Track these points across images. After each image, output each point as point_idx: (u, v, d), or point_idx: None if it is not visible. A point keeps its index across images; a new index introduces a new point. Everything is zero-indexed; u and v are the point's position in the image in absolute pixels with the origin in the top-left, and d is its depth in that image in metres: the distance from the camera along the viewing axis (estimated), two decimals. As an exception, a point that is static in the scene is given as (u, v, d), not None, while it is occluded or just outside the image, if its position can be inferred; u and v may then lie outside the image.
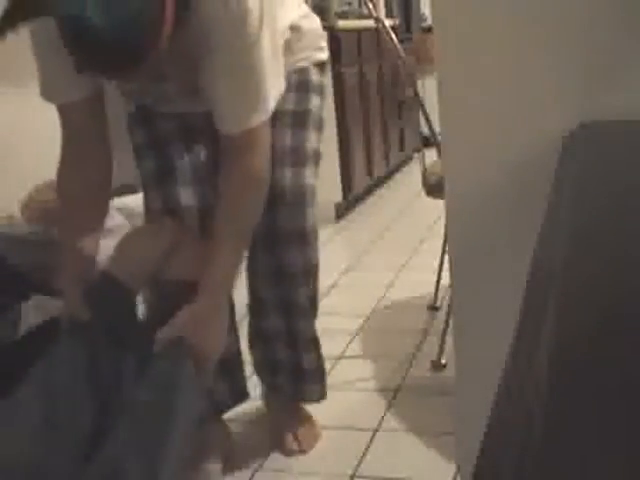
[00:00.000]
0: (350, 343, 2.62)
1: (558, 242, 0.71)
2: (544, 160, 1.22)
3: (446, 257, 1.60)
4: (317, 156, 1.84)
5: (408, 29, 6.13)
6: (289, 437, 2.01)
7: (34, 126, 2.83)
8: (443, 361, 2.38)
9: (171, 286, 1.58)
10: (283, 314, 1.89)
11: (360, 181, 4.49)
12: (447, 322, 2.40)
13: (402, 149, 5.48)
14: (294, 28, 1.75)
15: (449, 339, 2.26)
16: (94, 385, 1.35)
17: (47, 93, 1.55)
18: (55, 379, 1.34)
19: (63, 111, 1.56)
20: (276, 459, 1.97)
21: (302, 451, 1.99)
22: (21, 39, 2.58)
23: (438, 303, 2.85)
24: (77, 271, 1.55)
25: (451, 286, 1.46)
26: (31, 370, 1.36)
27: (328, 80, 1.87)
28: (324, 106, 1.89)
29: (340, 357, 2.51)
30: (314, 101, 1.83)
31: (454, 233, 1.43)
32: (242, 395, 2.01)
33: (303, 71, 1.79)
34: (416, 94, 2.57)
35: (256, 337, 2.00)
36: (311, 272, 1.85)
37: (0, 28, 1.19)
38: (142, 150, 1.77)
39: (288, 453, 1.99)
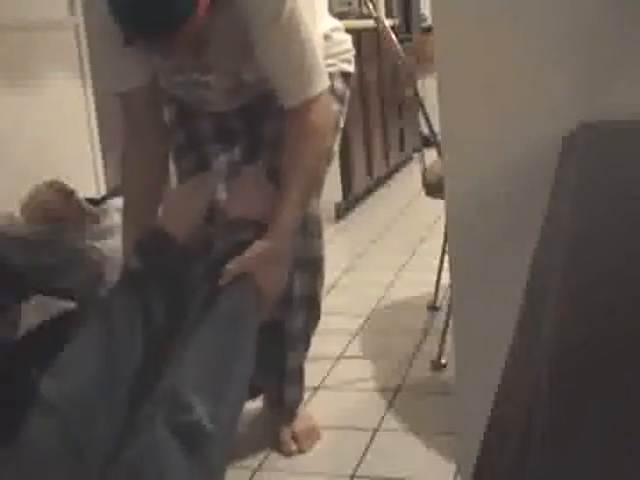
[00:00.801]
0: (350, 343, 2.62)
1: (558, 242, 0.71)
2: (544, 160, 1.22)
3: (446, 257, 1.60)
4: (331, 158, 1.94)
5: (408, 29, 6.13)
6: (288, 437, 2.01)
7: (34, 126, 2.83)
8: (443, 361, 2.38)
9: (239, 225, 1.68)
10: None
11: (360, 181, 4.49)
12: (447, 322, 2.40)
13: (402, 149, 5.48)
14: (326, 37, 1.84)
15: (449, 339, 2.26)
16: (146, 326, 1.47)
17: (107, 84, 1.75)
18: (112, 321, 1.46)
19: (123, 98, 1.73)
20: (276, 459, 1.97)
21: (301, 451, 1.99)
22: (21, 39, 2.59)
23: (438, 303, 2.85)
24: (134, 230, 1.72)
25: (451, 286, 1.46)
26: (93, 314, 1.51)
27: (350, 92, 1.96)
28: (344, 113, 1.95)
29: (340, 357, 2.51)
30: (334, 106, 1.87)
31: (454, 233, 1.43)
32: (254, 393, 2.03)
33: (329, 76, 1.82)
34: (416, 94, 2.57)
35: None
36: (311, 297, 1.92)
37: None
38: (181, 150, 1.90)
39: (287, 453, 1.98)
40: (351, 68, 1.99)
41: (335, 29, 1.93)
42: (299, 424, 2.03)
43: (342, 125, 1.96)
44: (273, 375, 2.00)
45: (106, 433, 1.32)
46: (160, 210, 1.75)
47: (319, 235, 1.91)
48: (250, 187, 1.73)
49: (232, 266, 1.56)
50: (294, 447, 1.99)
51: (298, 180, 1.65)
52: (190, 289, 1.59)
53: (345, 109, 1.96)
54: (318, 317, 1.99)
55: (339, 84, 1.92)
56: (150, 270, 1.57)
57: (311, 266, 1.90)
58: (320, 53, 1.68)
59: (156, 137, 1.78)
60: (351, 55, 2.00)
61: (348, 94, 1.97)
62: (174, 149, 1.91)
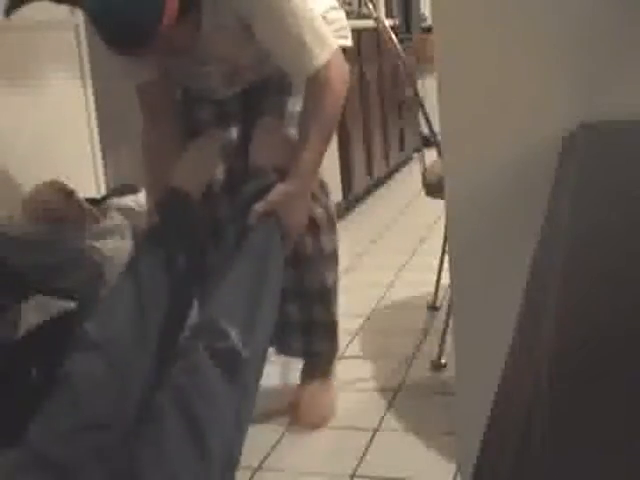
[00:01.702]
0: (350, 343, 2.62)
1: (558, 242, 0.71)
2: (544, 160, 1.22)
3: (446, 257, 1.60)
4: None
5: (408, 29, 6.13)
6: (300, 410, 2.12)
7: (34, 126, 2.83)
8: (443, 361, 2.38)
9: (263, 171, 1.86)
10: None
11: (360, 181, 4.49)
12: (447, 322, 2.40)
13: (402, 149, 5.48)
14: (323, 17, 1.91)
15: (449, 339, 2.26)
16: (169, 273, 1.67)
17: (126, 76, 1.95)
18: (140, 272, 1.65)
19: (139, 89, 1.93)
20: (276, 459, 1.97)
21: (314, 426, 2.08)
22: (21, 39, 2.59)
23: (438, 303, 2.85)
24: (156, 193, 1.90)
25: (451, 286, 1.46)
26: (125, 269, 1.72)
27: (349, 66, 2.04)
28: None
29: (340, 357, 2.51)
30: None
31: (454, 233, 1.43)
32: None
33: None
34: (416, 94, 2.57)
35: None
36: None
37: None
38: (185, 133, 2.03)
39: (297, 424, 2.10)
40: (348, 42, 2.09)
41: (333, 8, 2.03)
42: (316, 399, 2.13)
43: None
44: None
45: (140, 367, 1.51)
46: (175, 170, 1.90)
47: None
48: (270, 136, 1.89)
49: (258, 207, 1.73)
50: (305, 421, 2.10)
51: (317, 128, 1.80)
52: (216, 232, 1.82)
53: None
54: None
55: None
56: (169, 224, 1.76)
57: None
58: (319, 21, 1.79)
59: (170, 119, 1.96)
60: (346, 31, 2.09)
61: (348, 68, 2.02)
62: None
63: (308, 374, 2.21)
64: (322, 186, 2.05)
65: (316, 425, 2.09)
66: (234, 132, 1.98)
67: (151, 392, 1.42)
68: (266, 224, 1.72)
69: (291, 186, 1.78)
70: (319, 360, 2.19)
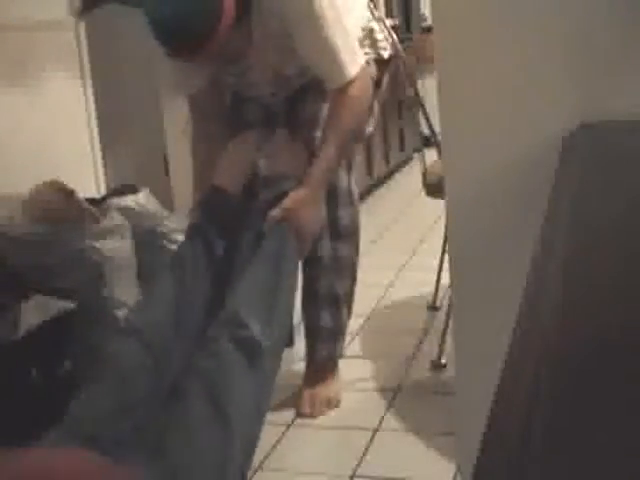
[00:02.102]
0: (350, 343, 2.62)
1: (558, 242, 0.71)
2: (544, 160, 1.22)
3: (446, 257, 1.60)
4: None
5: (408, 29, 6.12)
6: (304, 399, 2.18)
7: (34, 126, 2.83)
8: (443, 361, 2.38)
9: (278, 179, 1.97)
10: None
11: (360, 181, 4.48)
12: (447, 322, 2.40)
13: (402, 149, 5.48)
14: (363, 29, 2.09)
15: (449, 339, 2.26)
16: (209, 265, 1.80)
17: (176, 87, 2.17)
18: (183, 264, 1.78)
19: (191, 98, 2.07)
20: (276, 459, 1.97)
21: (312, 415, 2.15)
22: (21, 39, 2.59)
23: (438, 303, 2.85)
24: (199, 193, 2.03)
25: (451, 286, 1.46)
26: (167, 260, 1.88)
27: (388, 77, 2.23)
28: (380, 96, 2.20)
29: (340, 357, 2.51)
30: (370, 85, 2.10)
31: (454, 233, 1.43)
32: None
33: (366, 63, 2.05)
34: (416, 94, 2.57)
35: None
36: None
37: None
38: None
39: (301, 414, 2.16)
40: (385, 54, 2.20)
41: (369, 20, 2.15)
42: (320, 388, 2.19)
43: (376, 109, 2.19)
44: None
45: (174, 351, 1.62)
46: (217, 167, 2.01)
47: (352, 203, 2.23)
48: (285, 147, 2.03)
49: (274, 213, 1.83)
50: (306, 410, 2.16)
51: (333, 138, 1.90)
52: (242, 232, 1.93)
53: (382, 92, 2.19)
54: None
55: (372, 69, 2.09)
56: (209, 220, 1.89)
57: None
58: (354, 37, 1.93)
59: (220, 124, 2.09)
60: (385, 42, 2.21)
61: (385, 79, 2.18)
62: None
63: (314, 364, 2.27)
64: (351, 194, 2.21)
65: (321, 414, 2.17)
66: (281, 134, 2.07)
67: (180, 375, 1.52)
68: (280, 229, 1.81)
69: (305, 192, 1.87)
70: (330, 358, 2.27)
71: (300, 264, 2.00)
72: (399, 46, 2.49)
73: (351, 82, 1.89)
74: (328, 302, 2.20)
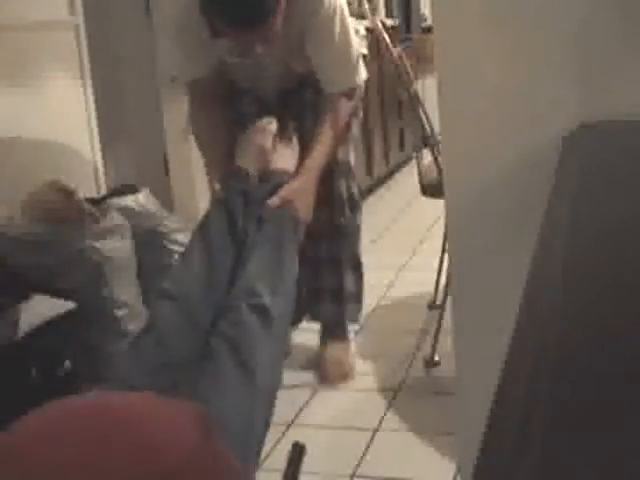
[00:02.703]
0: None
1: (558, 242, 0.71)
2: (544, 160, 1.22)
3: (446, 257, 1.61)
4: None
5: (408, 29, 6.12)
6: (322, 369, 2.39)
7: (34, 126, 2.83)
8: (436, 358, 2.38)
9: (276, 172, 2.21)
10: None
11: (360, 181, 4.48)
12: (440, 321, 2.42)
13: (402, 149, 5.48)
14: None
15: (442, 337, 2.26)
16: (232, 237, 2.01)
17: (184, 74, 2.30)
18: (210, 237, 1.99)
19: (191, 84, 2.26)
20: (276, 458, 1.97)
21: (326, 381, 2.36)
22: (21, 39, 2.58)
23: (438, 303, 2.84)
24: (217, 171, 2.23)
25: (448, 285, 1.46)
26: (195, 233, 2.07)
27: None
28: (361, 93, 2.38)
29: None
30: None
31: (454, 233, 1.43)
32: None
33: None
34: (416, 94, 2.57)
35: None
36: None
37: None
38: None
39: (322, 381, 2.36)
40: (365, 50, 2.44)
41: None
42: (336, 357, 2.40)
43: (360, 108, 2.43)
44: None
45: (204, 315, 1.82)
46: (236, 151, 2.24)
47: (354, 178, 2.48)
48: (288, 145, 2.27)
49: (271, 202, 2.07)
50: (328, 378, 2.37)
51: (329, 135, 2.19)
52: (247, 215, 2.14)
53: (362, 89, 2.36)
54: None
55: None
56: (232, 196, 2.10)
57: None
58: (358, 47, 2.19)
59: (217, 110, 2.27)
60: (364, 39, 2.50)
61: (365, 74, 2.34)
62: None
63: (328, 335, 2.46)
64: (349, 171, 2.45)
65: (342, 381, 2.35)
66: (286, 132, 2.30)
67: (210, 337, 1.73)
68: (279, 215, 2.06)
69: (300, 183, 2.14)
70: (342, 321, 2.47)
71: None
72: (391, 47, 2.51)
73: (349, 91, 2.18)
74: (351, 266, 2.44)
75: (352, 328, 2.55)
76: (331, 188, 2.35)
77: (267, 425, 1.65)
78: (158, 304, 1.91)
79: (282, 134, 2.27)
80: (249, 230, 2.05)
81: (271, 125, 2.27)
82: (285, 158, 2.25)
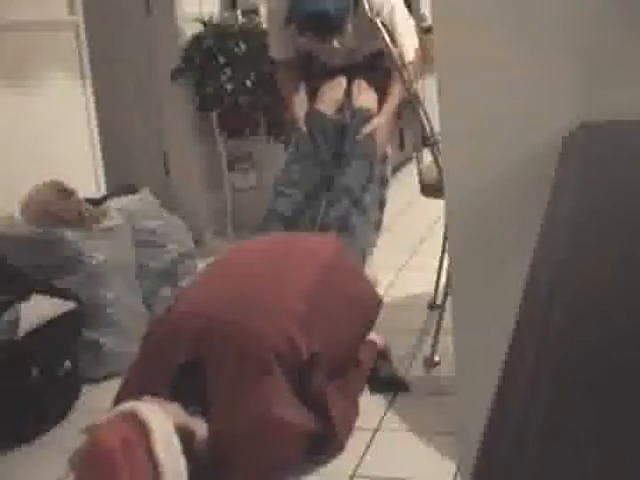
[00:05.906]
0: (350, 343, 2.61)
1: (558, 242, 0.71)
2: (544, 160, 1.22)
3: (446, 257, 1.61)
4: None
5: (408, 29, 6.12)
6: None
7: (34, 126, 2.83)
8: (436, 359, 2.38)
9: (362, 110, 3.03)
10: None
11: (360, 181, 4.48)
12: (439, 322, 2.41)
13: (402, 149, 5.47)
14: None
15: (442, 338, 2.26)
16: (317, 163, 2.92)
17: (275, 54, 3.13)
18: (304, 155, 2.95)
19: (282, 61, 3.14)
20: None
21: None
22: (21, 39, 2.58)
23: (438, 302, 2.84)
24: (293, 109, 3.12)
25: (448, 286, 1.46)
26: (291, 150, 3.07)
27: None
28: None
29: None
30: None
31: (454, 233, 1.43)
32: None
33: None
34: (416, 94, 2.57)
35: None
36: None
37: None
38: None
39: None
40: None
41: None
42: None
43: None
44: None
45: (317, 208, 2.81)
46: (317, 98, 3.07)
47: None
48: (366, 90, 3.07)
49: (364, 130, 2.92)
50: None
51: (396, 91, 2.98)
52: (343, 141, 2.97)
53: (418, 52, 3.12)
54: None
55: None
56: (314, 130, 2.97)
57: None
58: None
59: (299, 69, 3.15)
60: None
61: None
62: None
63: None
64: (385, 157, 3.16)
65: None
66: (361, 83, 3.10)
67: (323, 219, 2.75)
68: (367, 142, 2.89)
69: (382, 118, 2.98)
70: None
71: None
72: (396, 49, 2.52)
73: (417, 49, 2.95)
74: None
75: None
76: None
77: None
78: (279, 199, 2.83)
79: (365, 84, 3.09)
80: (345, 148, 2.88)
81: (342, 81, 3.07)
82: (369, 99, 3.05)
